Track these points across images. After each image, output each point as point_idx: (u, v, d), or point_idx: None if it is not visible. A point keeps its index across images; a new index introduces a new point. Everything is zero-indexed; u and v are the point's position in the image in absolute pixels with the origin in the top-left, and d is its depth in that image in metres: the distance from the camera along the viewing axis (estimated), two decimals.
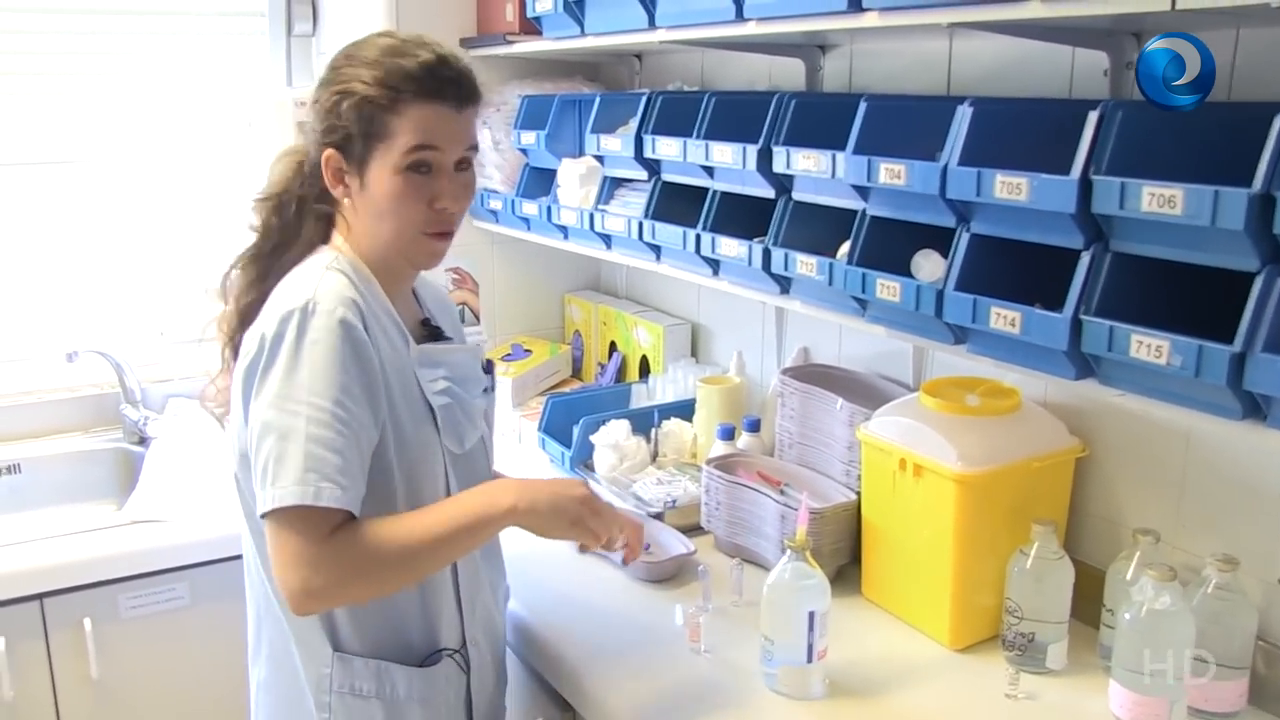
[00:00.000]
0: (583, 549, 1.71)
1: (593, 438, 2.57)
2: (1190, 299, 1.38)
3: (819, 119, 1.94)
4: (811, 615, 1.71)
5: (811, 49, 2.30)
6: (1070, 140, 1.44)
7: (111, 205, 3.05)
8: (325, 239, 1.71)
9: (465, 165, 1.64)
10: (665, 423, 2.64)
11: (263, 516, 1.49)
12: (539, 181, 2.79)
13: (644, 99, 2.32)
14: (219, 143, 3.13)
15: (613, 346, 3.11)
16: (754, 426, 2.40)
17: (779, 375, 2.36)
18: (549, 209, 2.63)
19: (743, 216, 2.10)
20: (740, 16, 1.93)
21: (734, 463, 2.30)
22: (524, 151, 2.81)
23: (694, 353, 2.95)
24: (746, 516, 2.17)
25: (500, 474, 1.92)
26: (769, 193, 2.01)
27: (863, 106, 1.77)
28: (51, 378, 3.00)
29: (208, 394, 1.85)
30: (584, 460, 2.61)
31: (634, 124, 2.35)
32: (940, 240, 1.69)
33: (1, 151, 2.91)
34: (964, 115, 1.60)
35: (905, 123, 1.78)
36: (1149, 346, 1.32)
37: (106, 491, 2.92)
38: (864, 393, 2.21)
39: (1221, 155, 1.33)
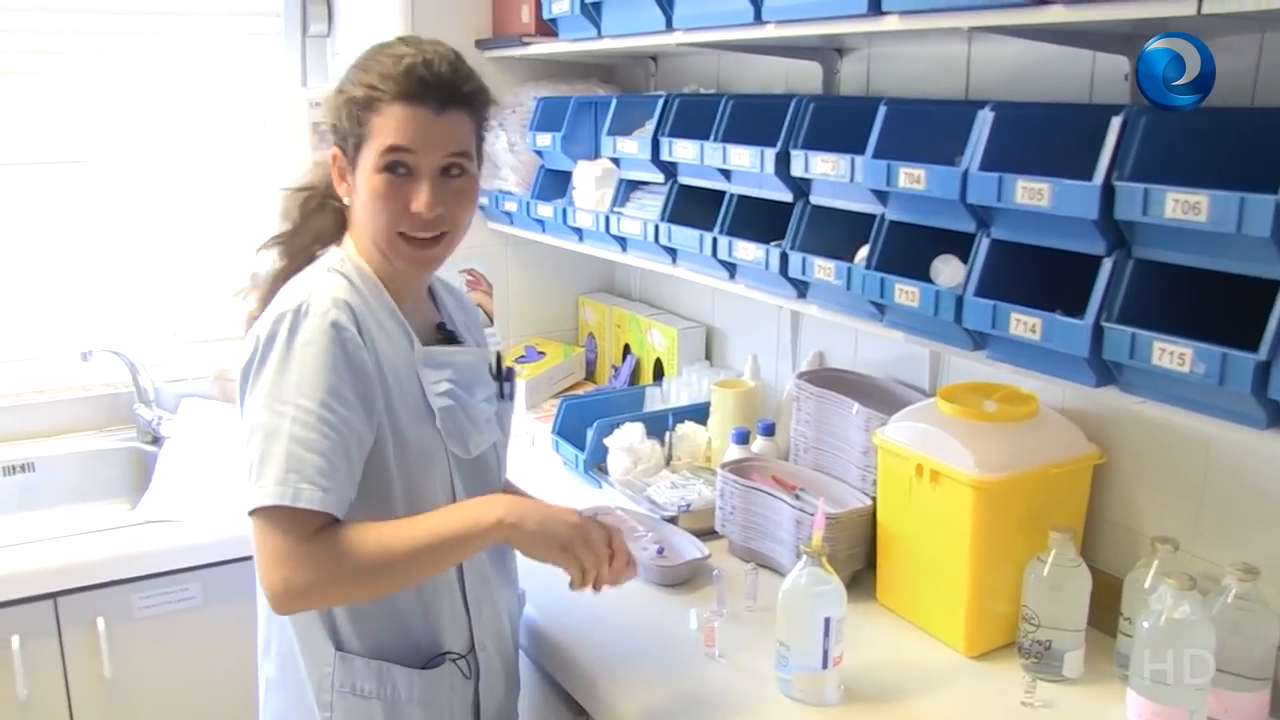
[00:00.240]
0: (571, 587, 1.67)
1: (607, 441, 2.57)
2: (1213, 306, 1.37)
3: (837, 122, 1.93)
4: (827, 621, 1.70)
5: (829, 52, 2.29)
6: (1091, 146, 1.43)
7: (126, 205, 3.05)
8: (337, 235, 1.72)
9: (457, 171, 1.62)
10: (679, 426, 2.63)
11: (249, 514, 1.51)
12: (554, 183, 2.79)
13: (661, 101, 2.32)
14: (233, 143, 3.13)
15: (627, 349, 3.10)
16: (769, 430, 2.39)
17: (794, 379, 2.35)
18: (564, 211, 2.62)
19: (759, 220, 2.09)
20: (759, 19, 1.92)
21: (749, 467, 2.29)
22: (539, 153, 2.80)
23: (708, 356, 2.94)
24: (761, 521, 2.16)
25: (511, 483, 1.93)
26: (786, 196, 2.00)
27: (882, 110, 1.76)
28: (65, 377, 3.00)
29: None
30: (598, 463, 2.61)
31: (650, 126, 2.35)
32: (958, 245, 1.68)
33: (18, 151, 2.92)
34: (985, 120, 1.59)
35: (924, 127, 1.77)
36: (1171, 354, 1.31)
37: (119, 491, 2.92)
38: (879, 397, 2.20)
39: (1246, 161, 1.32)
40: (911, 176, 1.66)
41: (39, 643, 2.30)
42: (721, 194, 2.17)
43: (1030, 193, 1.47)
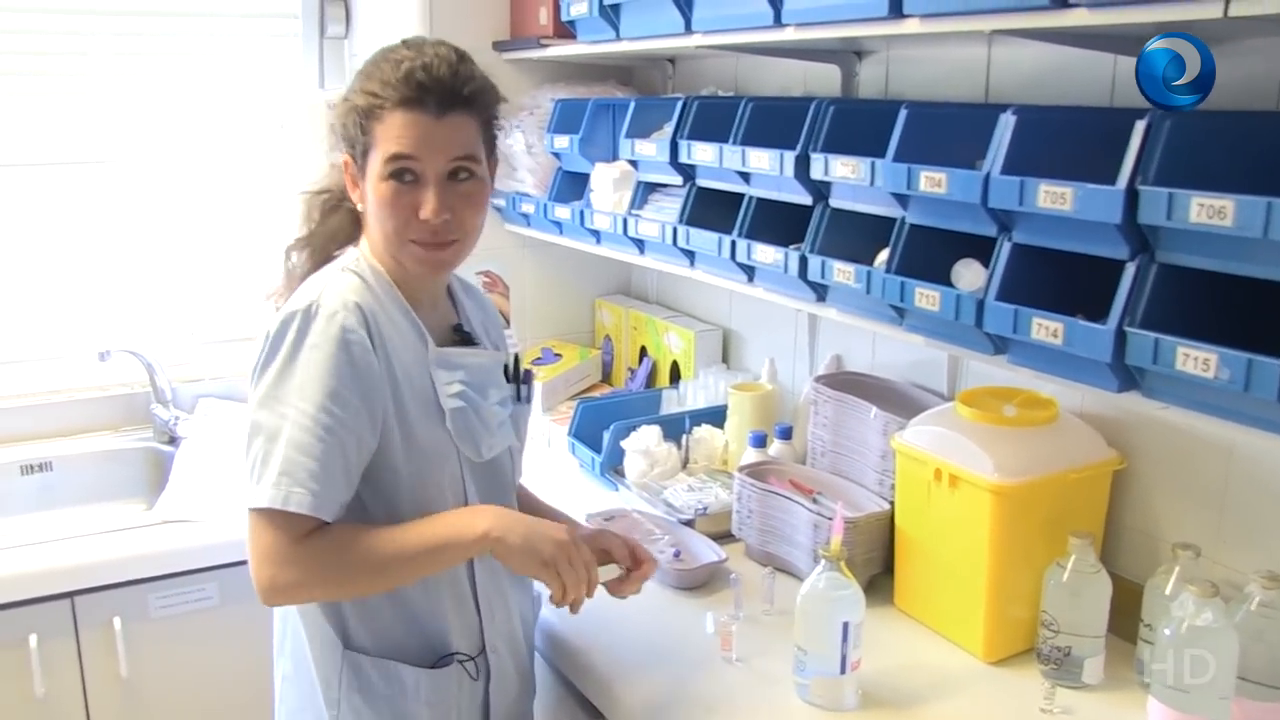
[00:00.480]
0: (551, 601, 1.67)
1: (623, 443, 2.57)
2: (1237, 311, 1.36)
3: (856, 125, 1.93)
4: (845, 626, 1.69)
5: (848, 55, 2.28)
6: (1113, 149, 1.42)
7: (144, 206, 3.06)
8: (354, 236, 1.73)
9: (465, 175, 1.62)
10: (696, 429, 2.63)
11: (248, 510, 1.55)
12: (572, 186, 2.78)
13: (680, 104, 2.31)
14: (251, 144, 3.14)
15: (643, 351, 3.10)
16: (786, 434, 2.38)
17: (812, 383, 2.35)
18: (582, 213, 2.62)
19: (777, 222, 2.09)
20: (778, 22, 1.92)
21: (766, 470, 2.29)
22: (557, 155, 2.80)
23: (725, 359, 2.94)
24: (778, 525, 2.15)
25: (525, 488, 1.94)
26: (806, 199, 1.99)
27: (903, 114, 1.76)
28: (83, 376, 3.01)
29: None
30: (614, 466, 2.60)
31: (669, 129, 2.34)
32: (978, 249, 1.67)
33: (37, 151, 2.92)
34: (1006, 123, 1.58)
35: (944, 130, 1.76)
36: (1196, 359, 1.30)
37: (136, 491, 2.92)
38: (897, 401, 2.19)
39: (1272, 166, 1.31)
40: (932, 180, 1.65)
41: (56, 642, 2.30)
42: (739, 197, 2.16)
43: (1053, 197, 1.46)
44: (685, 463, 2.60)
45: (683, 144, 2.25)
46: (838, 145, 1.91)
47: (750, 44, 2.12)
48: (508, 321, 3.18)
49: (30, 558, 2.29)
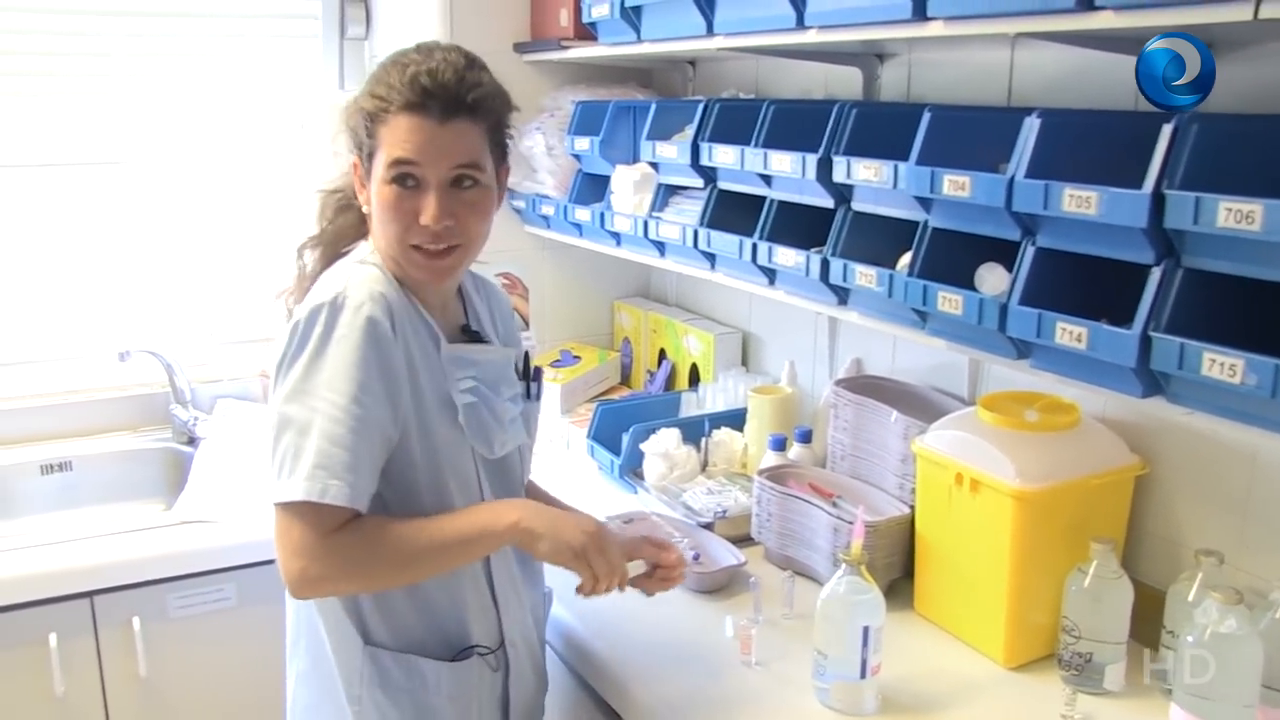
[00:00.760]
0: (579, 591, 1.69)
1: (642, 446, 2.56)
2: (1264, 316, 1.35)
3: (878, 129, 1.93)
4: (866, 630, 1.69)
5: (869, 58, 2.28)
6: (1137, 153, 1.41)
7: (164, 206, 3.07)
8: (361, 234, 1.74)
9: (469, 183, 1.61)
10: (715, 432, 2.62)
11: (275, 505, 1.54)
12: (592, 188, 2.78)
13: (701, 106, 2.31)
14: (271, 145, 3.15)
15: (662, 354, 3.10)
16: (806, 437, 2.38)
17: (832, 386, 2.34)
18: (602, 215, 2.62)
19: (798, 225, 2.09)
20: (801, 24, 1.92)
21: (785, 474, 2.28)
22: (577, 157, 2.80)
23: (744, 362, 2.93)
24: (798, 528, 2.15)
25: (535, 485, 1.94)
26: (828, 202, 1.99)
27: (926, 116, 1.75)
28: (102, 377, 3.02)
29: None
30: (633, 468, 2.60)
31: (690, 131, 2.34)
32: (1000, 252, 1.67)
33: (57, 152, 2.94)
34: (1031, 127, 1.57)
35: (967, 133, 1.76)
36: (1222, 365, 1.30)
37: (155, 491, 2.93)
38: (918, 405, 2.19)
39: None
40: (956, 184, 1.65)
41: (76, 641, 2.31)
42: (760, 200, 2.16)
43: (1078, 201, 1.46)
44: (704, 466, 2.60)
45: (704, 146, 2.25)
46: (860, 148, 1.91)
47: (772, 46, 2.11)
48: (527, 323, 3.19)
49: (50, 557, 2.30)
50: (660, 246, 2.46)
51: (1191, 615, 1.59)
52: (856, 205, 1.95)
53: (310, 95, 3.15)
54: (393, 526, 1.58)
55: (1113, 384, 1.49)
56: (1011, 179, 1.56)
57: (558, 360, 3.16)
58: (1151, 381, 1.44)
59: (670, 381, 3.06)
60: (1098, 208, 1.43)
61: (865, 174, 1.85)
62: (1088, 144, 1.58)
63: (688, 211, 2.39)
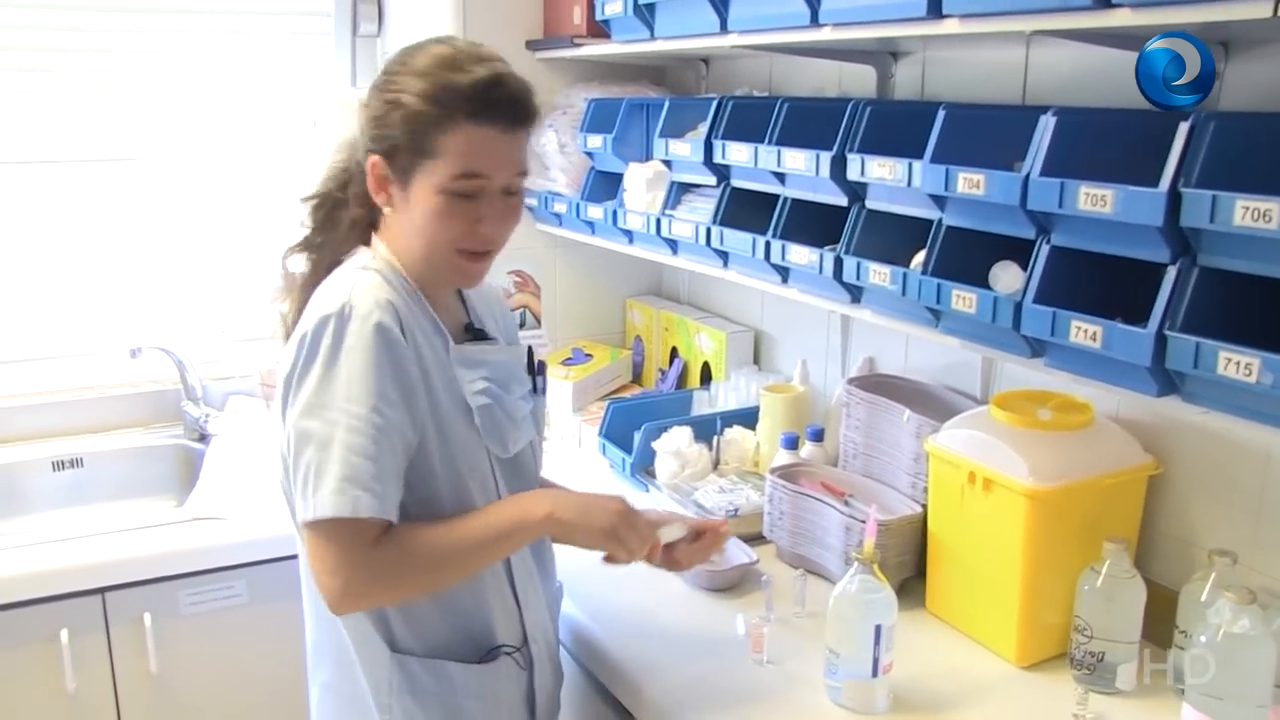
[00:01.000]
0: (608, 560, 1.70)
1: (654, 444, 2.56)
2: (1275, 314, 1.35)
3: (892, 127, 1.92)
4: (878, 629, 1.69)
5: (883, 56, 2.28)
6: (1152, 151, 1.41)
7: (176, 203, 3.08)
8: (356, 240, 1.71)
9: (513, 190, 1.62)
10: (727, 430, 2.62)
11: (305, 524, 1.51)
12: (604, 185, 2.78)
13: (714, 104, 2.30)
14: (283, 142, 3.15)
15: (674, 352, 3.10)
16: (818, 436, 2.37)
17: (844, 385, 2.34)
18: (614, 213, 2.62)
19: (812, 223, 2.08)
20: (815, 22, 1.91)
21: (797, 472, 2.28)
22: (590, 155, 2.80)
23: (756, 360, 2.93)
24: (810, 527, 2.14)
25: (547, 480, 1.93)
26: (841, 200, 1.99)
27: (941, 114, 1.75)
28: (114, 373, 3.03)
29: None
30: (645, 467, 2.60)
31: (703, 129, 2.34)
32: (1015, 251, 1.66)
33: (70, 148, 2.94)
34: (1046, 125, 1.57)
35: (982, 132, 1.75)
36: (1238, 364, 1.29)
37: (166, 488, 2.94)
38: (930, 404, 2.18)
39: None
40: (971, 182, 1.64)
41: (87, 637, 2.31)
42: (774, 197, 2.15)
43: (1093, 199, 1.45)
44: (716, 464, 2.59)
45: (717, 144, 2.25)
46: (874, 146, 1.91)
47: (786, 44, 2.11)
48: (539, 321, 3.19)
49: (61, 553, 2.30)
50: (673, 244, 2.46)
51: (1204, 615, 1.59)
52: (870, 203, 1.95)
53: (322, 93, 3.15)
54: (424, 532, 1.56)
55: (1127, 383, 1.49)
56: (1027, 177, 1.55)
57: (569, 358, 3.16)
58: (1166, 381, 1.44)
59: (682, 380, 3.06)
60: (1113, 206, 1.43)
61: (879, 172, 1.85)
62: (1103, 142, 1.58)
63: (700, 209, 2.39)
